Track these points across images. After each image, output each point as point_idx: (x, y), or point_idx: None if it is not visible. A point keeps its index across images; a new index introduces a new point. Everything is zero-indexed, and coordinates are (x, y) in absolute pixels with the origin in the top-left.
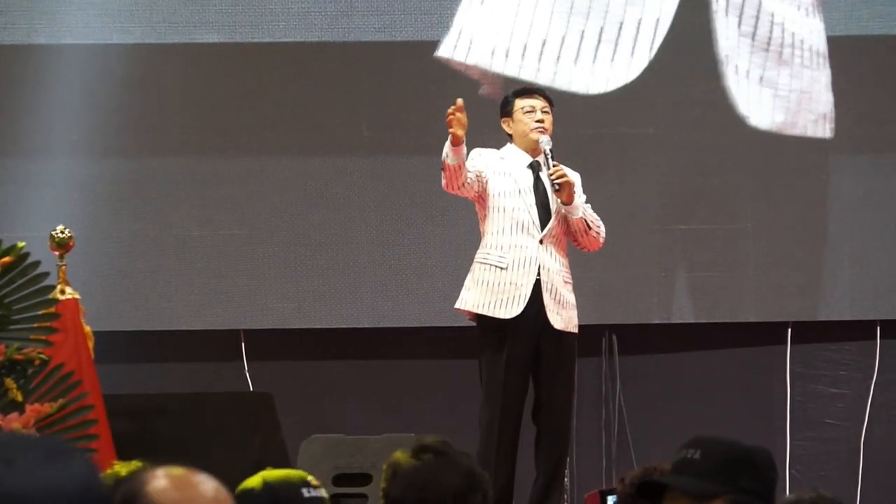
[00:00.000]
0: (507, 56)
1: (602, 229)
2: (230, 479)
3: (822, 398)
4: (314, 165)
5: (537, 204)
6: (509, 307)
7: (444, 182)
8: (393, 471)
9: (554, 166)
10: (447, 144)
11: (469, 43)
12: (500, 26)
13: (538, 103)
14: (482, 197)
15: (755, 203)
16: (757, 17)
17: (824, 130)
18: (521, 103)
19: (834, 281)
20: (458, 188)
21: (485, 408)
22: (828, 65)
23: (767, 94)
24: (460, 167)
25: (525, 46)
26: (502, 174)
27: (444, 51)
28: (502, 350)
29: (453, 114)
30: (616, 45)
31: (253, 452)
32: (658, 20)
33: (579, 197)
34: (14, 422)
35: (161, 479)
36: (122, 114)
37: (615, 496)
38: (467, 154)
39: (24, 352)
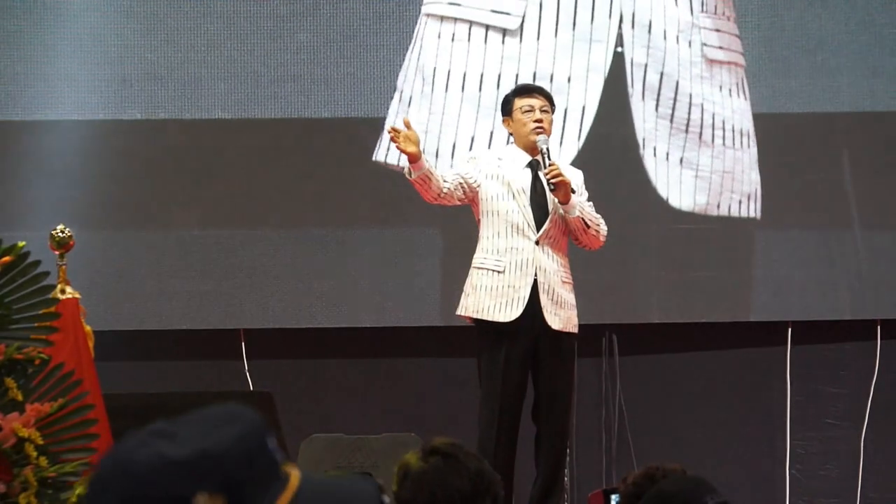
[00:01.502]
0: (437, 156)
1: (602, 227)
2: None
3: (822, 398)
4: (313, 165)
5: (532, 205)
6: (508, 310)
7: (421, 195)
8: (403, 473)
9: (550, 165)
10: (405, 163)
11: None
12: (427, 127)
13: (537, 102)
14: (475, 202)
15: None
16: (674, 100)
17: (748, 210)
18: (519, 102)
19: (834, 281)
20: (436, 198)
21: (483, 408)
22: (753, 144)
23: (688, 175)
24: (426, 179)
25: (454, 145)
26: (494, 178)
27: (378, 154)
28: (500, 351)
29: (394, 139)
30: None
31: None
32: (584, 108)
33: (580, 195)
34: (14, 421)
35: None
36: (121, 115)
37: (618, 495)
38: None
39: (24, 351)
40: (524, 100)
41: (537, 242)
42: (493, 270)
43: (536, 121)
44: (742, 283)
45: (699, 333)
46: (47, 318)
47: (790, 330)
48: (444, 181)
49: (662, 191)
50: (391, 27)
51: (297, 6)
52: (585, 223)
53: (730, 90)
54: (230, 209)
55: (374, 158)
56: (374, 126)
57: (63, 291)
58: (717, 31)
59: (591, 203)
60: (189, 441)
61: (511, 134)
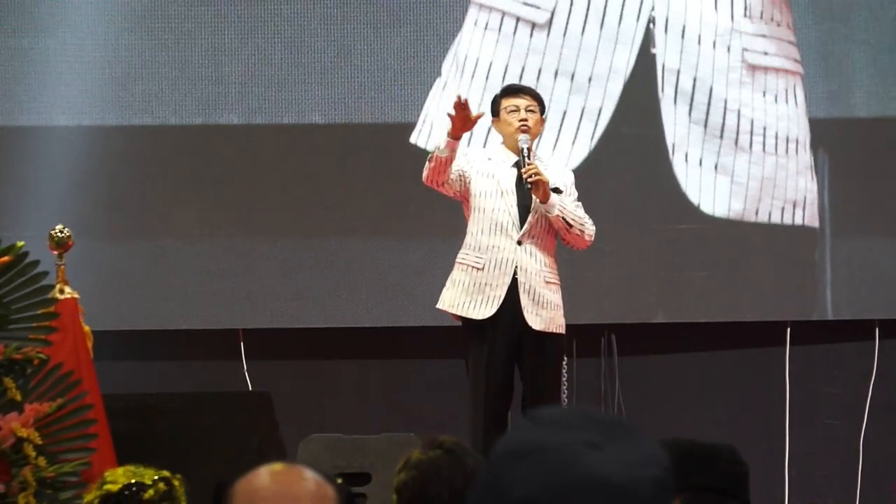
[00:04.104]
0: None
1: (587, 227)
2: (228, 479)
3: (820, 398)
4: (312, 165)
5: (519, 205)
6: (482, 308)
7: (425, 174)
8: (405, 461)
9: (528, 164)
10: (444, 137)
11: (430, 129)
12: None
13: (522, 102)
14: (465, 197)
15: None
16: (708, 105)
17: (793, 217)
18: (505, 103)
19: (833, 281)
20: (440, 185)
21: (471, 403)
22: (804, 151)
23: (723, 181)
24: (448, 162)
25: (471, 134)
26: (485, 175)
27: (413, 137)
28: (483, 349)
29: (459, 107)
30: (559, 133)
31: (251, 452)
32: (601, 109)
33: (568, 195)
34: (13, 421)
35: (262, 475)
36: (122, 112)
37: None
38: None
39: (23, 351)
40: (510, 100)
41: (519, 242)
42: (473, 267)
43: (521, 120)
44: (742, 283)
45: (697, 333)
46: (46, 318)
47: (789, 329)
48: (451, 172)
49: (694, 196)
50: (394, 32)
51: (303, 8)
52: (567, 223)
53: (775, 96)
54: (229, 209)
55: (410, 140)
56: (376, 128)
57: (62, 291)
58: (763, 36)
59: (579, 203)
60: (624, 457)
61: (500, 134)
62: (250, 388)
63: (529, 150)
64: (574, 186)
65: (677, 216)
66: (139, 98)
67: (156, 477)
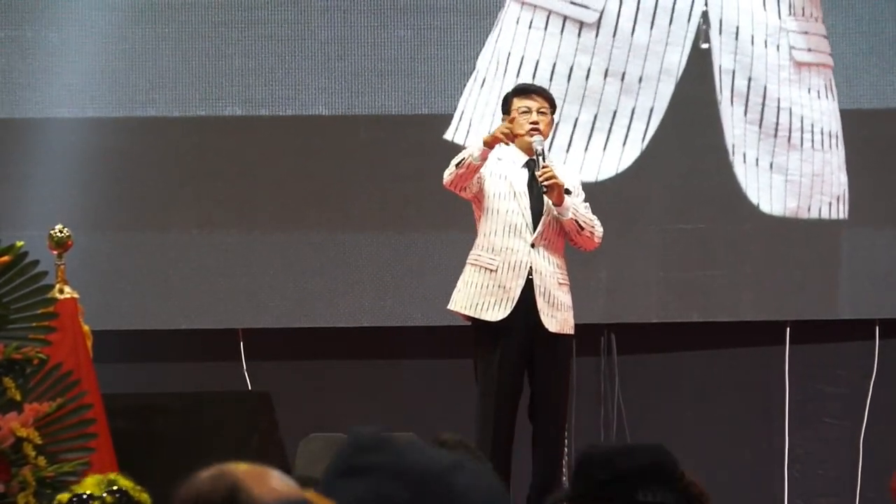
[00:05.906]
0: None
1: (597, 229)
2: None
3: (820, 397)
4: (313, 164)
5: (532, 207)
6: (496, 310)
7: (450, 179)
8: None
9: (543, 167)
10: (477, 145)
11: (468, 126)
12: (495, 109)
13: (534, 104)
14: (478, 198)
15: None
16: (763, 105)
17: (838, 212)
18: (518, 103)
19: (833, 280)
20: (462, 189)
21: (480, 407)
22: (841, 145)
23: (779, 180)
24: (478, 169)
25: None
26: (498, 176)
27: (448, 133)
28: (495, 349)
29: (513, 122)
30: (608, 133)
31: (251, 452)
32: (652, 110)
33: (576, 196)
34: (12, 421)
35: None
36: (123, 104)
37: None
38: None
39: (22, 351)
40: (522, 101)
41: (533, 245)
42: (486, 268)
43: (532, 122)
44: (741, 283)
45: (697, 333)
46: (45, 318)
47: (789, 329)
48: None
49: (753, 196)
50: (397, 23)
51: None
52: (579, 225)
53: (818, 92)
54: (229, 208)
55: (444, 136)
56: (376, 124)
57: (61, 291)
58: (805, 33)
59: (587, 204)
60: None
61: None
62: (250, 388)
63: (544, 151)
64: (580, 187)
65: (738, 216)
66: (140, 90)
67: (114, 487)
